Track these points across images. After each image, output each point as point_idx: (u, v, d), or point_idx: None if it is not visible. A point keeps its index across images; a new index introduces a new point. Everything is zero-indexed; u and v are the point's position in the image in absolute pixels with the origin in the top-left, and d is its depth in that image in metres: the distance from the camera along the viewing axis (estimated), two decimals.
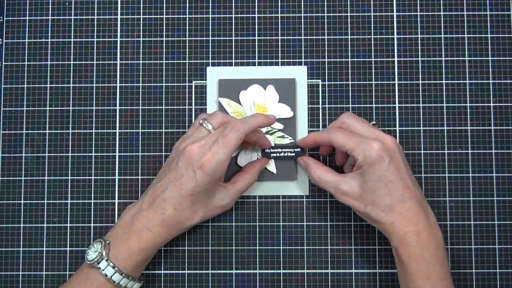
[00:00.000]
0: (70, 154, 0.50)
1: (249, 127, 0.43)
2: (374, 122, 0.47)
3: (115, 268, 0.42)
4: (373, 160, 0.41)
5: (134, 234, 0.42)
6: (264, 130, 0.49)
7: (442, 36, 0.51)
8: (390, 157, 0.42)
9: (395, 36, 0.51)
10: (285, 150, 0.49)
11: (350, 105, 0.50)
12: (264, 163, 0.49)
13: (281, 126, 0.49)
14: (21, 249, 0.49)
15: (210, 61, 0.51)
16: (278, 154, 0.49)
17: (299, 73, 0.50)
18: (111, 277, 0.42)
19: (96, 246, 0.43)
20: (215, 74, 0.50)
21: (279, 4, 0.51)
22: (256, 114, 0.46)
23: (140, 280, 0.45)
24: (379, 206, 0.42)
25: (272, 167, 0.49)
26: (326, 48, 0.51)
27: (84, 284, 0.42)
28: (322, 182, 0.45)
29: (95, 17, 0.52)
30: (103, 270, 0.41)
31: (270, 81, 0.50)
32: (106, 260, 0.42)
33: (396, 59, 0.51)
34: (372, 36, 0.51)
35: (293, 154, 0.49)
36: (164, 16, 0.51)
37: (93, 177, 0.50)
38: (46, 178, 0.50)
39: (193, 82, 0.51)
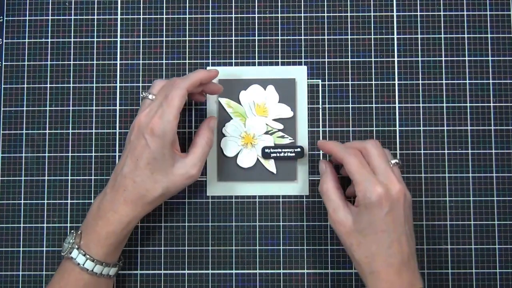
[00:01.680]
0: (70, 154, 0.50)
1: (189, 83, 0.43)
2: (397, 161, 0.43)
3: (86, 256, 0.42)
4: (371, 204, 0.40)
5: (101, 219, 0.42)
6: (263, 130, 0.49)
7: (442, 36, 0.51)
8: (391, 206, 0.40)
9: (395, 36, 0.51)
10: (285, 150, 0.49)
11: (350, 105, 0.50)
12: (211, 120, 0.47)
13: (281, 126, 0.49)
14: (21, 249, 0.49)
15: (210, 61, 0.51)
16: (278, 154, 0.49)
17: (299, 73, 0.50)
18: (83, 264, 0.42)
19: (69, 238, 0.43)
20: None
21: (279, 4, 0.51)
22: (197, 70, 0.45)
23: (116, 265, 0.44)
24: (364, 250, 0.41)
25: (272, 167, 0.49)
26: (326, 48, 0.51)
27: (62, 277, 0.42)
28: (325, 197, 0.44)
29: (95, 17, 0.52)
30: (75, 259, 0.42)
31: (270, 81, 0.50)
32: (77, 249, 0.42)
33: (396, 59, 0.51)
34: (372, 36, 0.51)
35: (293, 154, 0.49)
36: (164, 16, 0.51)
37: (93, 177, 0.50)
38: (46, 178, 0.50)
39: None
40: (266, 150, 0.49)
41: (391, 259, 0.40)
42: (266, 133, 0.49)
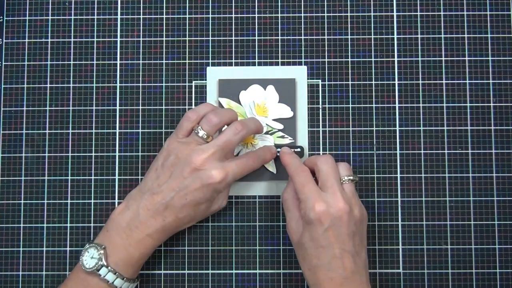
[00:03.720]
0: (70, 154, 0.50)
1: (246, 133, 0.45)
2: (352, 177, 0.44)
3: (117, 274, 0.42)
4: (310, 221, 0.41)
5: (135, 241, 0.42)
6: (265, 129, 0.49)
7: (442, 36, 0.51)
8: (331, 223, 0.41)
9: (395, 36, 0.51)
10: None
11: (350, 105, 0.50)
12: (266, 151, 0.47)
13: (281, 126, 0.49)
14: (21, 249, 0.49)
15: (210, 61, 0.51)
16: (278, 154, 0.48)
17: (299, 73, 0.50)
18: (113, 282, 0.42)
19: (92, 252, 0.42)
20: (215, 74, 0.50)
21: (279, 4, 0.51)
22: (254, 120, 0.47)
23: (137, 278, 0.45)
24: (308, 263, 0.42)
25: (272, 166, 0.49)
26: (326, 48, 0.51)
27: None
28: (284, 205, 0.45)
29: (95, 17, 0.52)
30: (104, 276, 0.41)
31: (270, 81, 0.50)
32: (107, 267, 0.41)
33: (396, 59, 0.51)
34: (372, 36, 0.51)
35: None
36: (164, 16, 0.51)
37: (93, 177, 0.50)
38: (46, 178, 0.50)
39: (193, 82, 0.51)
40: None
41: (331, 273, 0.40)
42: (266, 133, 0.49)
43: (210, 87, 0.50)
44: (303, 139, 0.50)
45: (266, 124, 0.49)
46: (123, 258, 0.42)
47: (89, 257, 0.42)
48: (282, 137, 0.49)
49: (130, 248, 0.42)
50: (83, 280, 0.42)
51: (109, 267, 0.41)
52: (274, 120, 0.49)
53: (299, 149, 0.49)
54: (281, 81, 0.50)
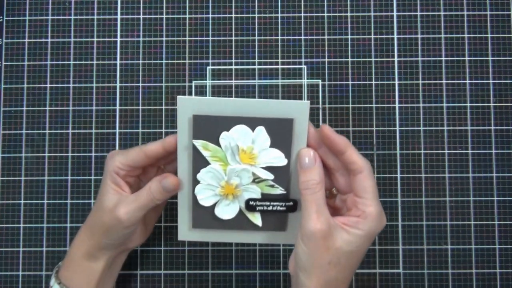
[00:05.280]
0: (70, 154, 0.50)
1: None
2: (335, 192, 0.40)
3: None
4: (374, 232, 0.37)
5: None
6: (249, 181, 0.40)
7: (442, 36, 0.51)
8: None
9: (395, 36, 0.51)
10: (275, 203, 0.40)
11: (350, 105, 0.50)
12: (166, 178, 0.40)
13: (271, 176, 0.40)
14: (21, 249, 0.49)
15: (210, 61, 0.51)
16: (265, 208, 0.40)
17: (299, 110, 0.39)
18: None
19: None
20: (187, 107, 0.39)
21: (279, 4, 0.51)
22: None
23: None
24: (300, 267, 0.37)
25: (257, 219, 0.41)
26: (326, 48, 0.51)
27: None
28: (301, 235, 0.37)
29: (95, 17, 0.52)
30: None
31: (260, 120, 0.39)
32: None
33: (396, 59, 0.51)
34: (372, 36, 0.51)
35: (284, 208, 0.40)
36: (164, 16, 0.51)
37: (93, 177, 0.50)
38: (46, 178, 0.50)
39: (193, 82, 0.51)
40: (251, 203, 0.40)
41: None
42: (253, 181, 0.40)
43: (181, 124, 0.39)
44: (297, 191, 0.40)
45: (253, 173, 0.40)
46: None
47: None
48: (272, 186, 0.40)
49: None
50: None
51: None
52: (263, 168, 0.40)
53: (291, 203, 0.40)
54: (274, 121, 0.39)
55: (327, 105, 0.50)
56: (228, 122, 0.39)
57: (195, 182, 0.40)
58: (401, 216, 0.49)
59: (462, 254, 0.49)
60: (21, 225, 0.50)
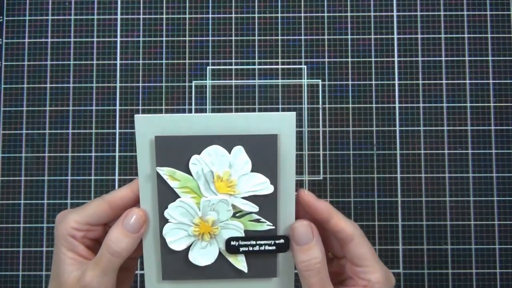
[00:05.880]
0: (70, 154, 0.50)
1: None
2: (331, 256, 0.35)
3: None
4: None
5: None
6: (228, 214, 0.33)
7: (442, 36, 0.51)
8: None
9: (395, 36, 0.51)
10: (262, 242, 0.33)
11: (350, 105, 0.50)
12: (129, 215, 0.32)
13: (255, 209, 0.33)
14: (21, 249, 0.49)
15: (210, 61, 0.51)
16: (251, 248, 0.33)
17: (284, 123, 0.32)
18: None
19: None
20: (148, 127, 0.32)
21: (279, 4, 0.51)
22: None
23: None
24: None
25: (241, 264, 0.33)
26: (326, 48, 0.51)
27: None
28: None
29: (95, 17, 0.52)
30: None
31: (238, 138, 0.32)
32: None
33: (396, 59, 0.51)
34: (372, 36, 0.51)
35: (273, 247, 0.33)
36: (164, 16, 0.51)
37: (93, 177, 0.50)
38: (46, 178, 0.50)
39: (193, 82, 0.51)
40: (233, 243, 0.33)
41: None
42: (234, 215, 0.33)
43: (141, 148, 0.32)
44: (286, 225, 0.33)
45: (233, 205, 0.32)
46: None
47: None
48: (258, 220, 0.33)
49: None
50: None
51: None
52: (244, 198, 0.32)
53: (282, 240, 0.33)
54: (255, 138, 0.32)
55: (327, 105, 0.50)
56: (198, 143, 0.32)
57: (163, 221, 0.32)
58: (401, 216, 0.49)
59: (462, 254, 0.49)
60: (21, 225, 0.50)
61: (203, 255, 0.33)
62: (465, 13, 0.51)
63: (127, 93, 0.51)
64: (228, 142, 0.32)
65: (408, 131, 0.50)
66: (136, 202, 0.33)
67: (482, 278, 0.49)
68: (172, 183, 0.32)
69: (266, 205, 0.33)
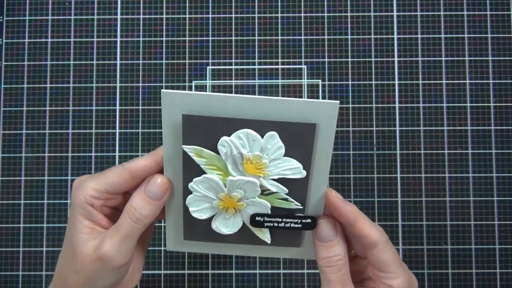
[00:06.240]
0: (70, 154, 0.50)
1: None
2: (354, 253, 0.35)
3: None
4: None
5: None
6: (255, 194, 0.32)
7: (442, 36, 0.51)
8: None
9: (395, 36, 0.51)
10: (288, 220, 0.33)
11: (350, 105, 0.50)
12: (151, 182, 0.32)
13: (285, 190, 0.32)
14: (21, 249, 0.49)
15: (210, 61, 0.51)
16: (276, 224, 0.33)
17: (326, 112, 0.30)
18: None
19: None
20: (175, 104, 0.30)
21: (279, 4, 0.51)
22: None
23: None
24: None
25: (265, 235, 0.34)
26: (326, 48, 0.51)
27: None
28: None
29: (95, 17, 0.52)
30: None
31: (272, 124, 0.30)
32: None
33: (396, 59, 0.51)
34: (372, 36, 0.51)
35: (300, 225, 0.33)
36: (164, 16, 0.51)
37: None
38: (46, 178, 0.50)
39: (193, 82, 0.51)
40: (258, 218, 0.33)
41: None
42: (262, 193, 0.32)
43: (167, 124, 0.31)
44: (316, 207, 0.33)
45: (261, 186, 0.32)
46: None
47: None
48: (286, 200, 0.32)
49: None
50: None
51: None
52: (274, 180, 0.32)
53: (309, 220, 0.33)
54: (291, 126, 0.30)
55: None
56: (229, 125, 0.30)
57: (187, 191, 0.32)
58: (401, 216, 0.49)
59: (462, 254, 0.49)
60: (21, 225, 0.50)
61: (227, 225, 0.33)
62: (465, 13, 0.51)
63: (127, 93, 0.51)
64: (261, 126, 0.30)
65: (408, 131, 0.50)
66: (158, 172, 0.32)
67: (482, 278, 0.49)
68: (199, 160, 0.31)
69: (296, 188, 0.32)
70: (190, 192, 0.32)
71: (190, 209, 0.32)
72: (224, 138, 0.30)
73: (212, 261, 0.49)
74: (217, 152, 0.31)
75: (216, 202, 0.32)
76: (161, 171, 0.32)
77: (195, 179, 0.32)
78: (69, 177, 0.50)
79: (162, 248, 0.49)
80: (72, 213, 0.31)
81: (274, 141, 0.30)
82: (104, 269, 0.30)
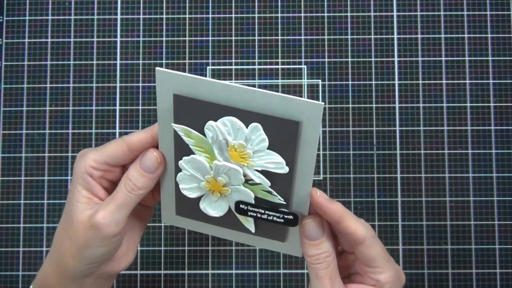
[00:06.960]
0: (70, 154, 0.50)
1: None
2: (340, 249, 0.36)
3: None
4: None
5: None
6: (239, 182, 0.32)
7: (442, 36, 0.51)
8: None
9: (395, 36, 0.51)
10: (271, 213, 0.33)
11: (350, 105, 0.50)
12: (146, 155, 0.33)
13: (267, 183, 0.32)
14: (21, 249, 0.49)
15: (210, 61, 0.51)
16: (259, 215, 0.33)
17: (310, 112, 0.29)
18: None
19: None
20: (168, 83, 0.31)
21: (279, 4, 0.51)
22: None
23: None
24: None
25: (249, 224, 0.34)
26: (326, 48, 0.51)
27: None
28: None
29: (95, 17, 0.52)
30: None
31: (257, 116, 0.30)
32: None
33: (396, 59, 0.51)
34: (372, 36, 0.51)
35: (281, 220, 0.33)
36: (164, 16, 0.51)
37: None
38: (46, 178, 0.50)
39: None
40: (242, 206, 0.33)
41: None
42: (246, 182, 0.32)
43: (160, 100, 0.32)
44: (300, 205, 0.33)
45: (244, 174, 0.32)
46: None
47: None
48: (270, 193, 0.32)
49: None
50: None
51: None
52: (258, 171, 0.32)
53: (291, 217, 0.32)
54: (275, 120, 0.30)
55: (327, 105, 0.50)
56: (216, 111, 0.30)
57: (178, 168, 0.33)
58: (401, 216, 0.49)
59: (462, 254, 0.49)
60: (21, 225, 0.50)
61: (213, 208, 0.34)
62: (465, 13, 0.51)
63: (127, 93, 0.51)
64: (246, 117, 0.30)
65: (408, 131, 0.50)
66: (154, 146, 0.33)
67: (482, 278, 0.48)
68: (188, 140, 0.32)
69: (279, 183, 0.32)
70: (180, 170, 0.33)
71: (180, 186, 0.33)
72: (211, 122, 0.31)
73: (212, 261, 0.49)
74: (205, 135, 0.31)
75: (204, 184, 0.33)
76: (157, 146, 0.33)
77: (184, 158, 0.32)
78: (69, 177, 0.50)
79: (162, 248, 0.49)
80: (73, 183, 0.33)
81: (258, 133, 0.30)
82: (96, 237, 0.31)
